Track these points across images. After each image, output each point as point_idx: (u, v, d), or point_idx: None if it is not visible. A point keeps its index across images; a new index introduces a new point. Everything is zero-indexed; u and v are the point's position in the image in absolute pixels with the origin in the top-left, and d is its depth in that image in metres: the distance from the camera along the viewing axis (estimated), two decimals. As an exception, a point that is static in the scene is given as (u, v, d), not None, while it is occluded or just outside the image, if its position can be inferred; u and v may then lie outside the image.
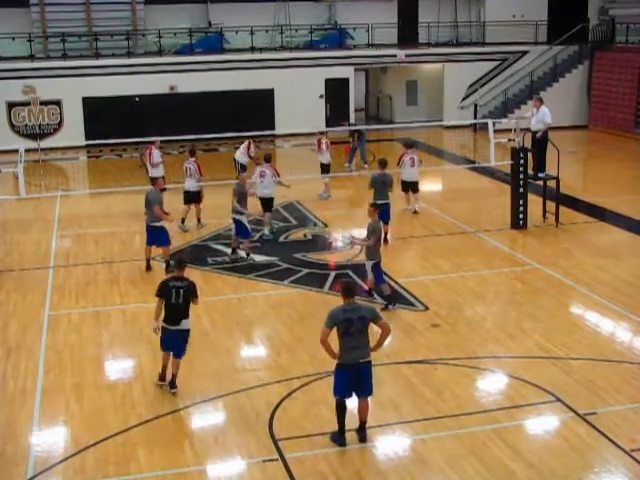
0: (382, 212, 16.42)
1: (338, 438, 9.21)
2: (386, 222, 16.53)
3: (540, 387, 10.43)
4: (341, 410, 9.18)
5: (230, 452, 9.17)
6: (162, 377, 10.63)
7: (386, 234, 16.65)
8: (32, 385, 10.90)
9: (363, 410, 9.26)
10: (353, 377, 9.08)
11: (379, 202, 16.22)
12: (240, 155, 21.66)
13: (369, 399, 9.29)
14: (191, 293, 10.43)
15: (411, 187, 19.30)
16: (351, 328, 8.96)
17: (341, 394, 9.15)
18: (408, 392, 10.39)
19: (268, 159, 18.00)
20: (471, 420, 9.71)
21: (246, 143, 21.64)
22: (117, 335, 12.64)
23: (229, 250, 16.44)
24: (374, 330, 9.34)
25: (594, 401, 10.08)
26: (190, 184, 17.96)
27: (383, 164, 16.90)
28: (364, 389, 9.17)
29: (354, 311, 9.04)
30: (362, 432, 9.28)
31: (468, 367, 11.20)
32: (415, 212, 19.31)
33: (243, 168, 20.87)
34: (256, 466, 8.87)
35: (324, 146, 21.22)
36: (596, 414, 9.72)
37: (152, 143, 19.82)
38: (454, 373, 11.05)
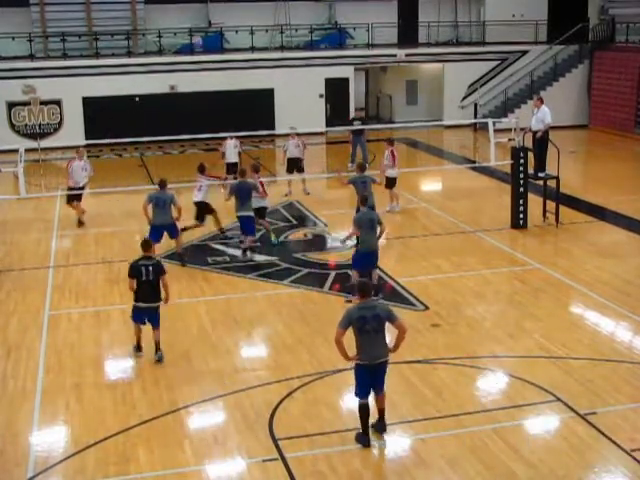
0: None
1: (362, 439, 9.20)
2: None
3: (540, 387, 10.43)
4: (364, 412, 9.17)
5: (230, 452, 9.17)
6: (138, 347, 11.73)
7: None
8: (32, 385, 10.91)
9: (380, 401, 9.37)
10: (371, 376, 9.14)
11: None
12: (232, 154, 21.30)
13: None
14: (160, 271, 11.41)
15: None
16: (366, 326, 8.98)
17: (363, 395, 9.17)
18: (408, 392, 10.39)
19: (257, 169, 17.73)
20: (471, 420, 9.72)
21: (237, 141, 21.31)
22: (117, 335, 12.63)
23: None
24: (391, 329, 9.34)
25: (594, 401, 10.08)
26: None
27: (362, 167, 16.75)
28: (380, 385, 9.26)
29: (369, 309, 9.07)
30: (381, 423, 9.39)
31: (468, 367, 11.20)
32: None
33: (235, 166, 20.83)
34: (256, 466, 8.87)
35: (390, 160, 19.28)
36: (596, 414, 9.72)
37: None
38: (454, 373, 11.05)
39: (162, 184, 15.57)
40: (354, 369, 9.23)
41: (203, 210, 17.09)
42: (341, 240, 14.58)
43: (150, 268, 11.28)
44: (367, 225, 13.38)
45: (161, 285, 11.46)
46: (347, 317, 9.04)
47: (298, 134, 21.80)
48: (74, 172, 18.84)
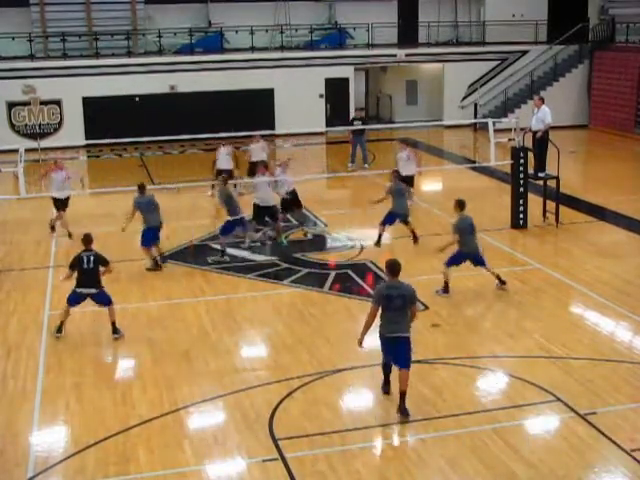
0: (400, 219, 16.65)
1: (383, 387, 10.27)
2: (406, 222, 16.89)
3: (540, 387, 10.43)
4: (386, 368, 10.20)
5: (230, 452, 9.17)
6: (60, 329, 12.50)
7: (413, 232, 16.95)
8: (32, 385, 10.91)
9: (401, 380, 9.77)
10: (390, 347, 9.79)
11: (396, 212, 16.54)
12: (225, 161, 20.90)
13: (409, 372, 9.79)
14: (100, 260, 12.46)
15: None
16: (391, 304, 9.63)
17: (385, 359, 10.08)
18: (408, 392, 10.35)
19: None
20: (471, 420, 9.72)
21: (229, 148, 20.97)
22: (117, 335, 12.65)
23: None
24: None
25: (594, 401, 10.08)
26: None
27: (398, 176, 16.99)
28: (400, 360, 9.80)
29: (396, 288, 9.71)
30: (401, 405, 9.71)
31: (468, 367, 11.21)
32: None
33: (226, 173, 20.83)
34: (256, 466, 8.87)
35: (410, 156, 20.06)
36: (596, 414, 9.72)
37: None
38: (454, 373, 11.05)
39: (141, 188, 15.89)
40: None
41: (289, 203, 17.52)
42: (440, 248, 14.49)
43: (91, 258, 12.43)
44: (468, 230, 14.01)
45: (101, 272, 12.55)
46: (377, 294, 9.83)
47: (263, 136, 21.67)
48: (56, 183, 17.95)
